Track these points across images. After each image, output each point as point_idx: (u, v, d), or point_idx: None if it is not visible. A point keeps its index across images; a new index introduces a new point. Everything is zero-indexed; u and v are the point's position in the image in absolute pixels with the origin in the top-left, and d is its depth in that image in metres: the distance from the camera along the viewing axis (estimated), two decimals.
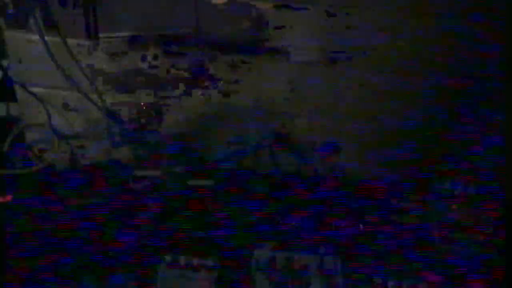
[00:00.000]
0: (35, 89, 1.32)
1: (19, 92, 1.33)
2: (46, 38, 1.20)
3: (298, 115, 1.33)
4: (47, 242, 1.22)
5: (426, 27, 1.18)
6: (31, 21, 1.20)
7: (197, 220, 1.25)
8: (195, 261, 1.17)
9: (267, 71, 1.27)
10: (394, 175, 1.35)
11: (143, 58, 1.22)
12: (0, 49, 1.31)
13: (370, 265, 1.19)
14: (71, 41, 1.24)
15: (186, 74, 1.27)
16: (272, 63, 1.26)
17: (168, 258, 1.17)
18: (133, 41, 1.25)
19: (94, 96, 1.29)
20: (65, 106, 1.33)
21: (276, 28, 1.22)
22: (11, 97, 1.37)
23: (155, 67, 1.26)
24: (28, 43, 1.24)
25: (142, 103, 1.30)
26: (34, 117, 1.36)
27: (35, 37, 1.21)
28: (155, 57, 1.23)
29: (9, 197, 1.29)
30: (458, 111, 1.27)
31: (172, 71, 1.27)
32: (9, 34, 1.25)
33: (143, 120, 1.33)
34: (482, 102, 1.26)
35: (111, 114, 1.30)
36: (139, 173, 1.29)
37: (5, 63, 1.34)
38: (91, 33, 1.23)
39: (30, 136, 1.38)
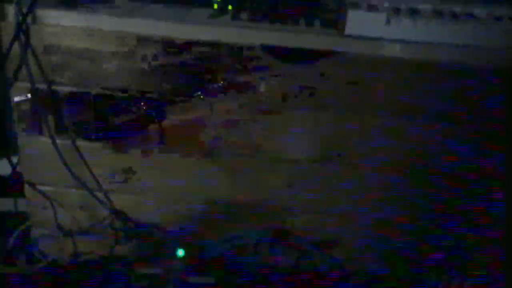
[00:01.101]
0: (42, 187, 1.39)
1: (27, 188, 1.40)
2: (57, 140, 1.27)
3: (297, 211, 1.38)
4: None
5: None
6: (44, 125, 1.29)
7: None
8: None
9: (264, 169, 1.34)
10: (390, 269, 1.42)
11: None
12: (11, 145, 1.41)
13: None
14: (81, 143, 1.32)
15: None
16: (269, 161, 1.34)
17: None
18: None
19: (101, 195, 1.36)
20: (72, 203, 1.40)
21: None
22: (18, 193, 1.44)
23: None
24: (39, 143, 1.32)
25: None
26: (41, 213, 1.41)
27: (47, 139, 1.28)
28: None
29: None
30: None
31: None
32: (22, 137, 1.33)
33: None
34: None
35: (117, 212, 1.38)
36: (141, 270, 1.33)
37: (15, 159, 1.42)
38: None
39: (35, 232, 1.43)
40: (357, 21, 1.15)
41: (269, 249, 1.37)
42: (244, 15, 1.25)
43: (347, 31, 1.16)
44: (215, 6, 1.30)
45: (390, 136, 1.27)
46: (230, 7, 1.30)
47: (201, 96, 1.26)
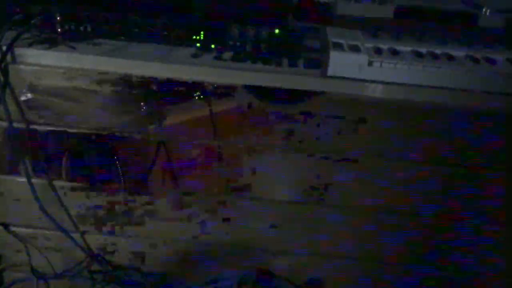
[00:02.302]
0: (16, 229, 1.35)
1: (0, 230, 1.36)
2: (33, 181, 1.23)
3: (280, 253, 1.36)
4: None
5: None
6: (21, 167, 1.26)
7: None
8: None
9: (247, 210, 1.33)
10: None
11: None
12: None
13: None
14: (58, 183, 1.29)
15: None
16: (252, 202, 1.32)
17: None
18: None
19: (77, 236, 1.33)
20: (47, 246, 1.35)
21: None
22: None
23: None
24: (14, 183, 1.29)
25: None
26: (14, 256, 1.37)
27: (23, 179, 1.24)
28: None
29: None
30: None
31: None
32: None
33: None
34: None
35: (94, 255, 1.34)
36: None
37: None
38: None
39: (8, 275, 1.39)
40: (339, 63, 1.17)
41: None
42: (226, 55, 1.26)
43: (330, 72, 1.18)
44: (198, 45, 1.31)
45: (374, 177, 1.29)
46: (213, 46, 1.31)
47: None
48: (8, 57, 1.15)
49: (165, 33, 1.27)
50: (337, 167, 1.27)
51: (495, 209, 1.32)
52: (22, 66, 1.17)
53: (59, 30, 1.22)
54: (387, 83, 1.16)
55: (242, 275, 1.33)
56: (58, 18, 1.23)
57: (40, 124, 1.23)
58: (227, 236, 1.34)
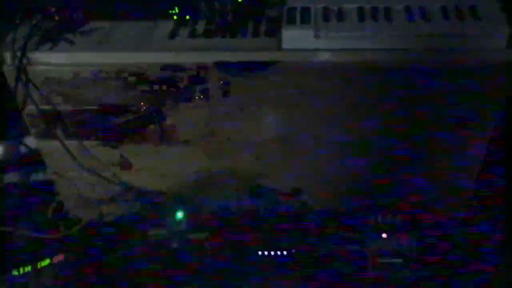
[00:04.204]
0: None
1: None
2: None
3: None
4: None
5: None
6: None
7: None
8: None
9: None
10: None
11: None
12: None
13: None
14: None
15: None
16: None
17: None
18: None
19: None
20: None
21: None
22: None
23: None
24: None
25: None
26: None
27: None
28: None
29: (61, 257, 1.68)
30: None
31: None
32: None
33: None
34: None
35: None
36: (149, 231, 1.68)
37: None
38: None
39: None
40: (291, 36, 1.37)
41: (249, 202, 1.74)
42: (200, 27, 1.47)
43: (284, 45, 1.38)
44: (175, 17, 1.51)
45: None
46: (188, 17, 1.50)
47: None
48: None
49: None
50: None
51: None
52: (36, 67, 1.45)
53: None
54: (335, 50, 1.38)
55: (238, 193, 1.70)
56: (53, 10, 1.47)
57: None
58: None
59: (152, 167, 1.69)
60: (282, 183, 1.72)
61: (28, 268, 1.66)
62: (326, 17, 1.39)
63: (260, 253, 1.68)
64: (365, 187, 1.68)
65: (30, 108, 1.52)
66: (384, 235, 1.62)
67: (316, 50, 1.38)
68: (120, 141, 1.63)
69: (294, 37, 1.37)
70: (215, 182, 1.70)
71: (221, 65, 1.43)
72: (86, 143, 1.62)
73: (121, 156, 1.66)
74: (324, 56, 1.38)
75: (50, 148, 1.64)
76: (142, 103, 1.52)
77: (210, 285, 1.63)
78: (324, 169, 1.66)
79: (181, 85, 1.48)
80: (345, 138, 1.57)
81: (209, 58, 1.42)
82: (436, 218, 1.71)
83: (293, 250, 1.68)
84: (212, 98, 1.50)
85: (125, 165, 1.69)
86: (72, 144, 1.62)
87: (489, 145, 1.57)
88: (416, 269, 1.57)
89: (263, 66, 1.41)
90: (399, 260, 1.57)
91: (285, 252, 1.69)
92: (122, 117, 1.56)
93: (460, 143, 1.55)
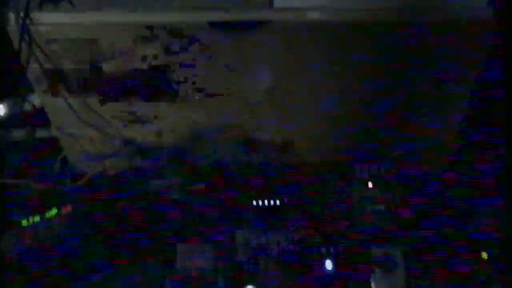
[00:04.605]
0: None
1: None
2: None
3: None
4: None
5: None
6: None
7: None
8: None
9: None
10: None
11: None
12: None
13: None
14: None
15: None
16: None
17: None
18: None
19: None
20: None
21: None
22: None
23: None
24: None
25: None
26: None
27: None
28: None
29: (68, 208, 1.83)
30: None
31: None
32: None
33: None
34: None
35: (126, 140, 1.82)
36: (149, 183, 1.81)
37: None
38: None
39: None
40: None
41: (244, 155, 1.83)
42: None
43: (276, 4, 1.45)
44: None
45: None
46: None
47: None
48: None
49: None
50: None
51: None
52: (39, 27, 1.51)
53: None
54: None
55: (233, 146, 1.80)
56: None
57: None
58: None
59: (152, 123, 1.80)
60: (274, 137, 1.82)
61: (36, 218, 1.78)
62: None
63: (254, 203, 1.81)
64: (352, 139, 1.78)
65: (34, 66, 1.60)
66: (370, 185, 1.74)
67: (308, 8, 1.45)
68: (121, 98, 1.72)
69: None
70: (210, 137, 1.81)
71: (212, 25, 1.50)
72: (89, 100, 1.71)
73: (123, 112, 1.76)
74: (315, 15, 1.46)
75: (54, 105, 1.73)
76: (141, 63, 1.61)
77: (206, 234, 1.77)
78: (313, 122, 1.76)
79: (173, 46, 1.55)
80: (334, 94, 1.66)
81: (200, 17, 1.49)
82: (420, 173, 1.82)
83: (285, 200, 1.80)
84: (204, 57, 1.57)
85: (127, 121, 1.80)
86: (75, 101, 1.71)
87: (470, 102, 1.66)
88: (398, 217, 1.70)
89: (254, 24, 1.49)
90: (383, 207, 1.70)
91: (278, 202, 1.81)
92: (122, 76, 1.66)
93: (441, 99, 1.65)
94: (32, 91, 1.76)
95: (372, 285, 1.63)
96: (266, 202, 1.80)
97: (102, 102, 1.71)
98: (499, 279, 1.62)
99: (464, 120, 1.71)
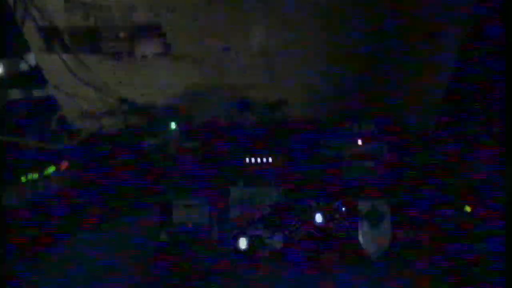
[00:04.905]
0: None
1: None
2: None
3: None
4: None
5: None
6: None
7: None
8: None
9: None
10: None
11: None
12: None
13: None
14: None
15: None
16: None
17: None
18: None
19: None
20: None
21: None
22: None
23: None
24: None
25: None
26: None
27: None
28: None
29: (66, 164, 1.89)
30: None
31: None
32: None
33: None
34: None
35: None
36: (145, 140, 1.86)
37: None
38: None
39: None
40: None
41: (238, 113, 1.88)
42: None
43: None
44: None
45: None
46: None
47: None
48: None
49: None
50: None
51: None
52: None
53: None
54: None
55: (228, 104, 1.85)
56: None
57: None
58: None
59: (146, 81, 1.83)
60: (268, 95, 1.87)
61: (35, 175, 1.83)
62: None
63: (247, 160, 1.86)
64: (343, 97, 1.83)
65: (30, 25, 1.63)
66: (359, 142, 1.79)
67: None
68: (117, 57, 1.75)
69: None
70: (204, 95, 1.85)
71: None
72: (84, 58, 1.75)
73: (118, 71, 1.80)
74: None
75: (50, 64, 1.76)
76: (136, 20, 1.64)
77: (199, 188, 1.83)
78: (306, 80, 1.80)
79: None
80: (326, 51, 1.70)
81: None
82: (408, 128, 1.87)
83: (277, 157, 1.86)
84: (199, 15, 1.61)
85: (121, 80, 1.83)
86: (71, 60, 1.74)
87: (460, 56, 1.69)
88: (385, 170, 1.76)
89: None
90: (371, 163, 1.75)
91: (270, 160, 1.86)
92: (117, 33, 1.69)
93: (431, 53, 1.69)
94: (28, 50, 1.81)
95: (360, 237, 1.71)
96: (258, 159, 1.86)
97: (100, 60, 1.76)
98: (482, 231, 1.70)
99: (452, 75, 1.76)
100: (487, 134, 1.77)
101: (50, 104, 1.97)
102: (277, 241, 1.75)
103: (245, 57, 1.72)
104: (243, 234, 1.77)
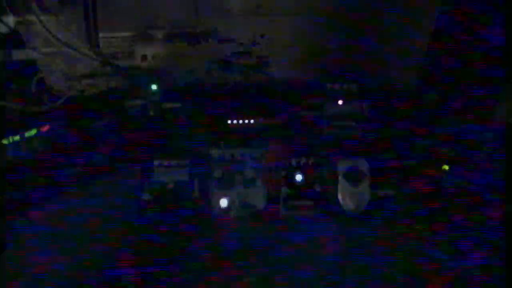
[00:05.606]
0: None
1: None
2: None
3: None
4: None
5: None
6: None
7: None
8: None
9: None
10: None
11: None
12: None
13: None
14: None
15: None
16: None
17: None
18: None
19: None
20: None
21: None
22: None
23: None
24: None
25: None
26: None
27: None
28: None
29: (46, 128, 1.86)
30: None
31: None
32: None
33: None
34: None
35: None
36: (129, 101, 1.85)
37: None
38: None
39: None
40: None
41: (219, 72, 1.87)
42: None
43: None
44: None
45: None
46: None
47: None
48: None
49: None
50: None
51: None
52: None
53: None
54: None
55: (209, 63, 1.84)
56: None
57: None
58: None
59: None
60: (249, 56, 1.85)
61: (16, 138, 1.82)
62: None
63: (229, 121, 1.86)
64: (325, 57, 1.83)
65: None
66: (340, 102, 1.80)
67: None
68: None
69: None
70: (186, 57, 1.84)
71: None
72: (64, 18, 1.72)
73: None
74: None
75: (28, 25, 1.74)
76: None
77: (182, 150, 1.84)
78: (289, 40, 1.79)
79: None
80: (308, 9, 1.70)
81: None
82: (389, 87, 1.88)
83: (260, 119, 1.86)
84: None
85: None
86: (49, 20, 1.72)
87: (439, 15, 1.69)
88: (365, 129, 1.76)
89: None
90: (352, 123, 1.76)
91: (252, 121, 1.86)
92: None
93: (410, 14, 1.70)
94: (6, 12, 1.78)
95: (339, 196, 1.73)
96: (240, 120, 1.86)
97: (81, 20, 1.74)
98: (460, 189, 1.72)
99: (434, 34, 1.76)
100: (467, 94, 1.79)
101: (29, 66, 1.95)
102: (258, 201, 1.77)
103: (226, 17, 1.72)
104: (224, 194, 1.79)
